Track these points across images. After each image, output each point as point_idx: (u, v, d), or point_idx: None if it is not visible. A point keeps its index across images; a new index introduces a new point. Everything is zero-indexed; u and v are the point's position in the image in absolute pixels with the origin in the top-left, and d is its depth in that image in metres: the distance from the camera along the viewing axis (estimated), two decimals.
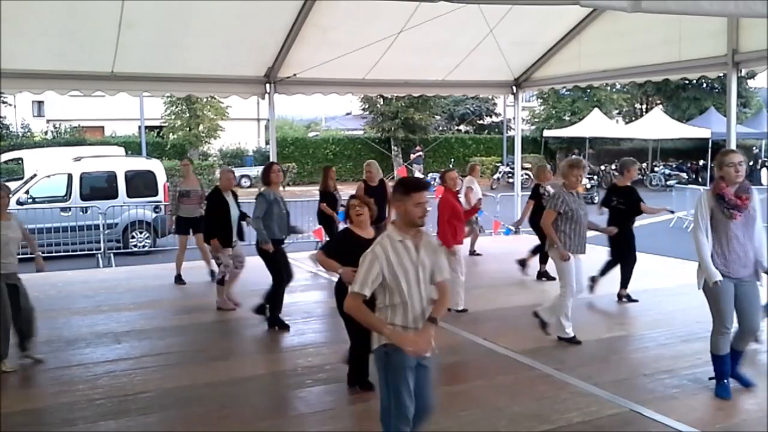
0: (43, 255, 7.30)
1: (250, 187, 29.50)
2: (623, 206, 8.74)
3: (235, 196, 8.98)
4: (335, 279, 10.33)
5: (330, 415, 5.68)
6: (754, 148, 33.85)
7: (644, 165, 33.51)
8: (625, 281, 8.98)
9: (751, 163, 30.14)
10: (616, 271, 8.99)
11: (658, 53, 11.10)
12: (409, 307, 4.02)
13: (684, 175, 31.55)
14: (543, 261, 10.35)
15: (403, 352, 3.97)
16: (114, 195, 15.47)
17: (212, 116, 34.18)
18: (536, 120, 39.68)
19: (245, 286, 9.26)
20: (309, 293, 9.95)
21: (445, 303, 4.16)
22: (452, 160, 34.66)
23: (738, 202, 5.46)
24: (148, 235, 15.59)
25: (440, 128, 42.36)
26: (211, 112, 33.98)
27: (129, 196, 15.56)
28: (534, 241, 10.53)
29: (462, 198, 10.74)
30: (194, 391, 6.12)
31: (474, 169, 12.94)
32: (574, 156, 32.77)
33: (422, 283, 4.05)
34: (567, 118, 36.81)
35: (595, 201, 12.88)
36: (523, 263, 10.61)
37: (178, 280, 10.61)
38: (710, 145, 29.37)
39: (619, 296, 8.98)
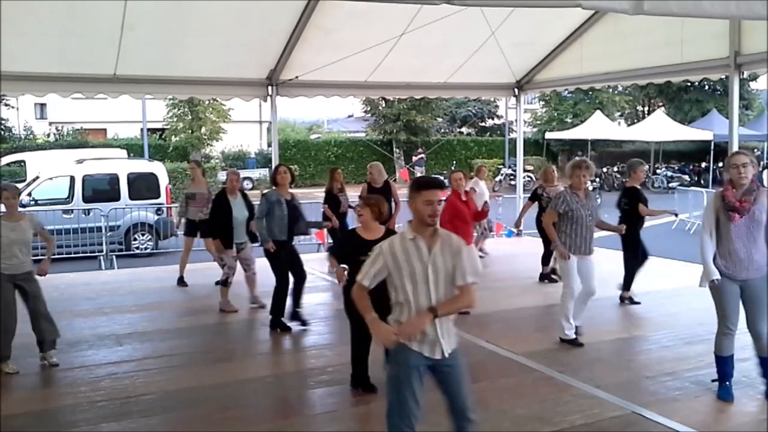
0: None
1: (252, 189, 29.51)
2: (627, 207, 8.75)
3: (245, 197, 8.94)
4: (333, 280, 10.32)
5: (332, 417, 5.68)
6: (755, 150, 33.84)
7: (646, 167, 33.46)
8: (627, 283, 8.97)
9: None
10: (619, 273, 8.99)
11: (660, 55, 11.09)
12: (413, 306, 3.99)
13: (686, 177, 31.53)
14: (545, 263, 10.35)
15: (408, 349, 3.99)
16: (116, 197, 15.48)
17: (214, 118, 34.21)
18: (538, 122, 39.68)
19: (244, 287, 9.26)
20: (311, 295, 9.91)
21: (456, 301, 4.03)
22: (454, 162, 34.64)
23: (736, 204, 5.46)
24: (150, 237, 15.61)
25: (442, 130, 42.37)
26: (213, 114, 34.01)
27: (131, 198, 15.57)
28: (534, 245, 10.52)
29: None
30: (196, 393, 6.12)
31: (480, 170, 12.83)
32: (578, 157, 32.85)
33: (431, 284, 3.99)
34: (569, 121, 36.81)
35: (599, 202, 12.86)
36: (544, 276, 10.51)
37: (181, 282, 10.61)
38: (712, 147, 29.37)
39: (622, 298, 8.97)
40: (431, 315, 3.92)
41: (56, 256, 12.74)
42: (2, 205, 6.63)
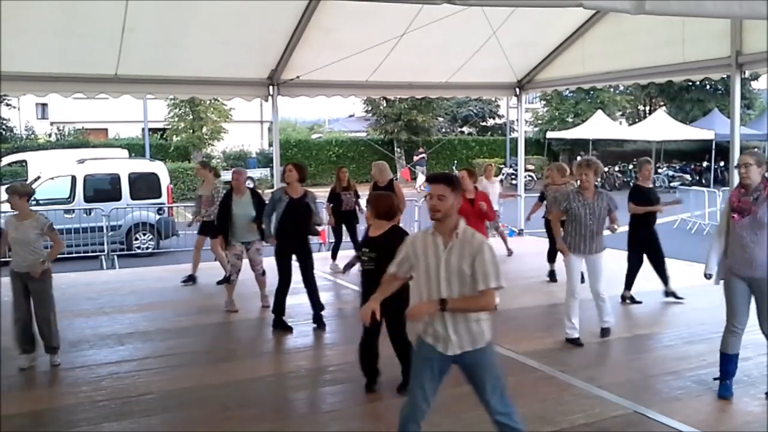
0: None
1: (253, 188, 29.50)
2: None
3: (255, 196, 8.88)
4: (339, 280, 10.34)
5: (333, 417, 5.68)
6: (755, 149, 33.79)
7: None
8: (628, 282, 8.97)
9: None
10: (620, 272, 8.98)
11: (662, 55, 11.09)
12: (425, 300, 4.07)
13: (687, 176, 31.51)
14: (551, 260, 10.35)
15: (423, 341, 4.15)
16: (117, 197, 15.49)
17: (215, 118, 34.20)
18: (539, 122, 39.65)
19: (250, 287, 9.26)
20: None
21: (470, 301, 4.00)
22: (455, 162, 34.64)
23: (737, 204, 5.51)
24: (151, 237, 15.62)
25: (443, 130, 42.35)
26: (214, 114, 34.00)
27: (132, 198, 15.58)
28: (535, 244, 10.51)
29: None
30: (197, 392, 6.12)
31: (486, 170, 12.77)
32: (579, 157, 32.83)
33: (443, 281, 4.01)
34: (570, 120, 36.77)
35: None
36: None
37: (190, 279, 10.63)
38: (714, 146, 29.34)
39: (623, 297, 8.97)
40: (437, 305, 3.96)
41: (58, 256, 12.75)
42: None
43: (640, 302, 8.89)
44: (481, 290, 3.95)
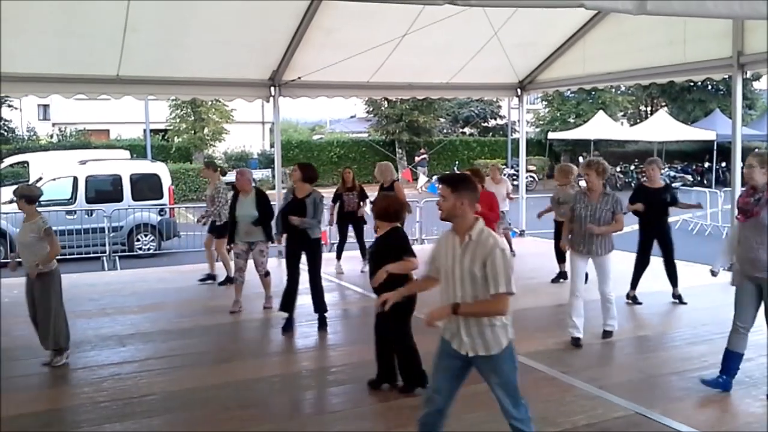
0: None
1: (258, 188, 29.53)
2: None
3: (257, 196, 8.87)
4: (342, 282, 10.34)
5: (335, 417, 5.68)
6: (756, 150, 33.78)
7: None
8: (633, 283, 8.98)
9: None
10: (626, 274, 8.96)
11: (663, 55, 11.08)
12: (445, 299, 4.14)
13: (689, 177, 31.50)
14: (559, 260, 10.32)
15: (442, 336, 4.25)
16: (119, 198, 15.51)
17: (217, 119, 34.23)
18: (541, 122, 39.64)
19: (253, 288, 9.27)
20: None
21: (481, 306, 4.02)
22: (456, 162, 34.64)
23: (740, 204, 5.59)
24: (153, 238, 15.64)
25: (444, 131, 42.36)
26: (215, 115, 34.03)
27: (134, 199, 15.59)
28: (537, 245, 10.48)
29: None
30: (199, 393, 6.12)
31: (492, 171, 12.62)
32: (580, 158, 32.81)
33: (457, 281, 4.05)
34: (572, 121, 36.77)
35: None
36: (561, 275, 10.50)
37: (209, 278, 10.69)
38: (715, 147, 29.33)
39: (627, 296, 8.95)
40: (450, 309, 4.05)
41: (59, 257, 12.79)
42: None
43: (640, 303, 8.88)
44: (492, 294, 3.96)
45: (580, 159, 32.32)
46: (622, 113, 40.91)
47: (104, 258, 13.98)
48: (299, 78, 11.74)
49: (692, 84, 34.32)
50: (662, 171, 9.13)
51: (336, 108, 50.24)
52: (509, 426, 4.22)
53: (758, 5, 5.09)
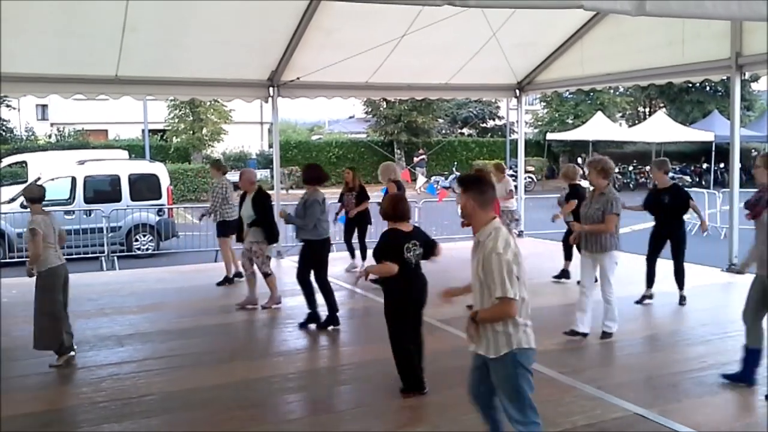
0: None
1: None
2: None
3: (255, 196, 8.91)
4: (343, 283, 10.31)
5: (335, 418, 5.68)
6: (753, 151, 33.81)
7: (647, 168, 33.47)
8: (646, 282, 8.99)
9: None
10: (628, 275, 8.96)
11: (662, 56, 11.10)
12: (473, 302, 4.24)
13: (687, 178, 31.53)
14: (569, 258, 10.30)
15: None
16: (118, 198, 15.49)
17: (216, 120, 34.24)
18: (539, 123, 39.69)
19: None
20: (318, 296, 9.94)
21: (489, 312, 4.05)
22: (455, 163, 34.65)
23: (751, 201, 5.73)
24: (151, 238, 15.62)
25: (443, 131, 42.38)
26: (214, 115, 34.05)
27: (132, 199, 15.57)
28: (536, 245, 10.45)
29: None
30: (198, 393, 6.11)
31: (495, 169, 12.47)
32: (579, 158, 32.86)
33: (475, 284, 4.15)
34: (570, 122, 36.81)
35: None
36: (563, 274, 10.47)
37: (238, 276, 10.62)
38: (713, 148, 29.36)
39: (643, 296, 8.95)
40: (471, 320, 4.12)
41: None
42: None
43: (638, 303, 8.86)
44: (495, 299, 3.98)
45: (579, 160, 32.34)
46: (620, 114, 40.97)
47: (103, 258, 13.95)
48: (298, 78, 11.74)
49: (691, 85, 34.30)
50: (666, 171, 9.00)
51: (335, 108, 50.36)
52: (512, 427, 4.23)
53: (757, 6, 5.09)
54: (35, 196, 6.86)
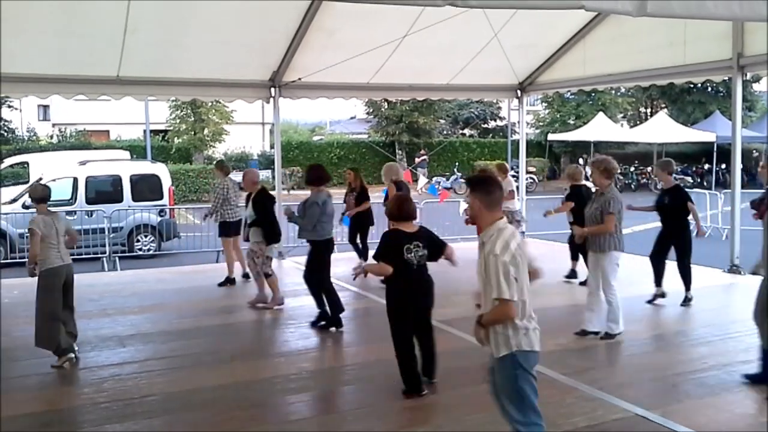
0: None
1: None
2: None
3: (256, 197, 8.98)
4: (344, 283, 10.30)
5: (336, 419, 5.69)
6: (754, 151, 33.78)
7: (649, 169, 33.46)
8: (656, 280, 8.97)
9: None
10: (629, 275, 8.96)
11: (663, 57, 11.09)
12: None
13: (689, 178, 31.49)
14: (575, 258, 10.27)
15: None
16: (119, 199, 15.49)
17: (217, 120, 34.25)
18: (541, 124, 39.64)
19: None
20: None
21: (489, 314, 4.07)
22: (457, 164, 34.64)
23: (757, 201, 5.76)
24: (153, 238, 15.62)
25: (444, 132, 42.35)
26: (216, 116, 34.05)
27: (134, 199, 15.58)
28: (537, 247, 10.43)
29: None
30: (199, 394, 6.11)
31: (499, 169, 12.37)
32: (581, 159, 32.84)
33: (481, 281, 4.14)
34: (571, 122, 36.76)
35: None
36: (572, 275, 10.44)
37: (245, 276, 10.66)
38: (715, 149, 29.33)
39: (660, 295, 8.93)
40: (477, 322, 4.14)
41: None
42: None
43: (650, 303, 8.85)
44: (494, 299, 3.99)
45: (580, 160, 32.32)
46: (622, 115, 40.91)
47: (104, 259, 13.96)
48: (299, 79, 11.75)
49: (692, 86, 34.18)
50: (670, 172, 8.99)
51: (336, 109, 50.35)
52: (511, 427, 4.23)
53: (758, 7, 5.09)
54: (39, 196, 6.89)
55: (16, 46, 9.44)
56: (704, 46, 10.37)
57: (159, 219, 15.65)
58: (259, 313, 8.95)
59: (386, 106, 35.40)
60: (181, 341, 7.77)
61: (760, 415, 5.46)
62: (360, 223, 11.13)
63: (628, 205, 9.28)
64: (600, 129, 32.46)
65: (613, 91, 36.50)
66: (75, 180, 15.48)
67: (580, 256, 9.75)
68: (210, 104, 32.32)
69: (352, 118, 53.03)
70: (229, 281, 10.49)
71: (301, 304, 9.21)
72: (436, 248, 5.85)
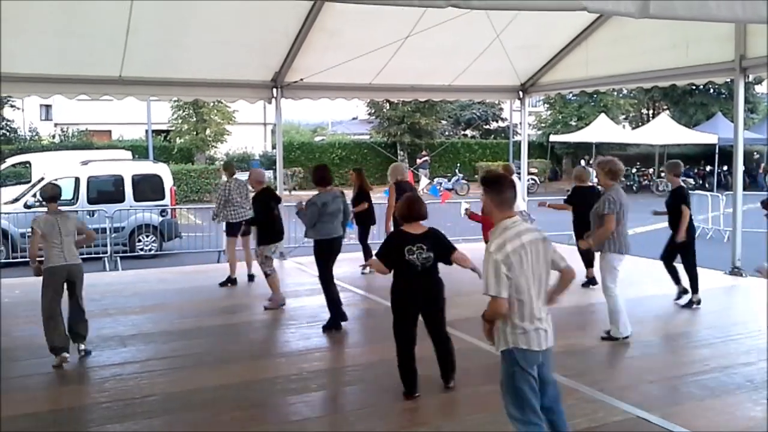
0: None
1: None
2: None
3: (260, 195, 9.03)
4: (345, 284, 10.29)
5: (336, 419, 5.69)
6: (755, 153, 33.75)
7: (651, 170, 33.46)
8: (674, 281, 8.98)
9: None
10: (626, 274, 8.95)
11: (665, 58, 11.09)
12: None
13: (691, 180, 31.46)
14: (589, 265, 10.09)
15: None
16: (121, 199, 15.50)
17: (219, 120, 34.27)
18: (542, 125, 39.64)
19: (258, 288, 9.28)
20: (314, 297, 9.93)
21: (486, 309, 4.19)
22: (458, 165, 34.64)
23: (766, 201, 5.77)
24: (154, 238, 15.64)
25: (446, 133, 42.35)
26: (217, 116, 34.07)
27: (136, 199, 15.59)
28: None
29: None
30: (200, 394, 6.12)
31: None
32: (583, 161, 32.79)
33: None
34: (573, 123, 36.78)
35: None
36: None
37: (250, 279, 10.69)
38: (717, 150, 29.31)
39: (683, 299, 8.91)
40: (482, 317, 4.25)
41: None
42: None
43: (681, 304, 8.84)
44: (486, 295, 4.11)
45: (582, 162, 32.30)
46: (624, 116, 40.90)
47: (105, 258, 13.96)
48: (301, 80, 11.76)
49: (694, 87, 34.28)
50: (677, 174, 8.98)
51: (338, 110, 50.39)
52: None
53: (761, 9, 5.09)
54: (50, 195, 6.98)
55: (17, 46, 9.44)
56: (707, 47, 10.36)
57: (161, 219, 15.66)
58: (261, 313, 8.95)
59: (388, 107, 35.41)
60: (182, 341, 7.78)
61: (762, 418, 5.45)
62: (360, 224, 11.15)
63: (653, 210, 9.28)
64: (602, 130, 32.46)
65: (615, 93, 36.47)
66: (77, 180, 15.50)
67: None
68: (212, 104, 32.36)
69: (354, 118, 53.07)
70: (231, 281, 10.49)
71: (302, 304, 9.22)
72: (444, 251, 5.80)
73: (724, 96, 35.47)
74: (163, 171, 16.54)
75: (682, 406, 5.70)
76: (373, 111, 37.37)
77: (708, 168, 32.19)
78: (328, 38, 10.92)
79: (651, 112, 42.53)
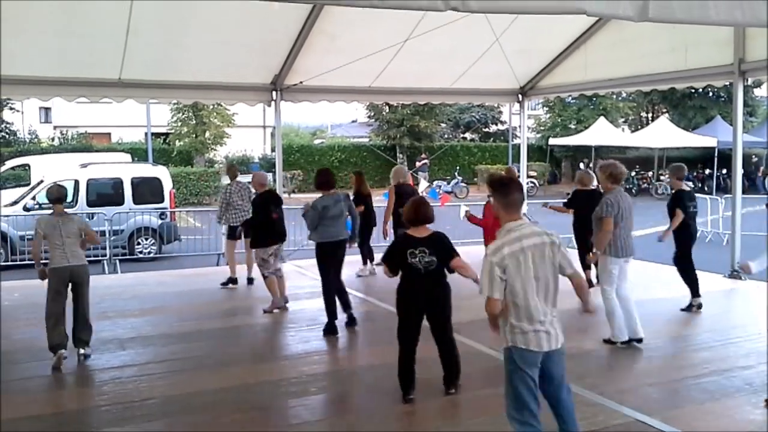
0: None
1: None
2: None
3: (259, 197, 9.04)
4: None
5: (333, 423, 5.68)
6: (753, 156, 33.77)
7: (650, 173, 33.46)
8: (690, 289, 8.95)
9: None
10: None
11: (664, 62, 11.10)
12: None
13: (690, 183, 31.39)
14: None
15: None
16: (120, 201, 15.51)
17: (218, 123, 34.26)
18: (542, 128, 39.66)
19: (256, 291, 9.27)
20: (314, 300, 9.93)
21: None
22: (458, 168, 34.64)
23: None
24: (153, 241, 15.63)
25: (446, 136, 42.37)
26: (217, 119, 34.05)
27: (135, 202, 15.59)
28: None
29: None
30: (200, 397, 6.11)
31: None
32: (583, 164, 32.83)
33: None
34: (573, 127, 36.80)
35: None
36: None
37: (249, 282, 10.69)
38: (716, 154, 29.32)
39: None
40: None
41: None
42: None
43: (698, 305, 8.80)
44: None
45: (581, 165, 32.32)
46: (623, 119, 40.94)
47: (105, 261, 13.96)
48: (301, 82, 11.76)
49: (693, 91, 34.35)
50: (679, 177, 8.98)
51: (337, 112, 50.30)
52: None
53: (760, 12, 5.10)
54: (55, 197, 6.99)
55: (16, 47, 9.43)
56: (706, 51, 10.37)
57: (160, 222, 15.65)
58: (260, 316, 8.95)
59: (387, 110, 35.42)
60: (181, 344, 7.77)
61: (761, 421, 5.45)
62: (361, 227, 11.13)
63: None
64: (601, 133, 32.48)
65: (615, 96, 36.50)
66: (76, 182, 15.48)
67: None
68: (211, 107, 32.34)
69: (353, 121, 53.09)
70: (231, 281, 10.49)
71: (302, 307, 9.22)
72: (445, 256, 5.77)
73: (723, 99, 35.49)
74: (163, 174, 16.54)
75: (682, 410, 5.70)
76: (372, 114, 37.37)
77: (707, 171, 32.19)
78: (328, 41, 10.92)
79: (650, 115, 42.54)
